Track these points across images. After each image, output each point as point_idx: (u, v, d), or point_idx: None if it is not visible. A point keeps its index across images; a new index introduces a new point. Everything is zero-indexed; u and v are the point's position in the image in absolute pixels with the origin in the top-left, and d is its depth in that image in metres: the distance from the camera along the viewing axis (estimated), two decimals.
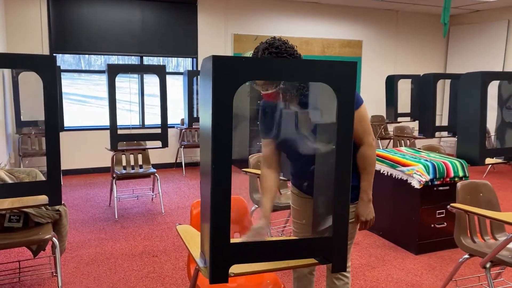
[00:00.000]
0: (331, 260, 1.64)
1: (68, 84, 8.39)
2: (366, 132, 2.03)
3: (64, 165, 6.72)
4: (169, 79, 7.79)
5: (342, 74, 1.54)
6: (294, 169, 2.27)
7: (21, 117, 6.18)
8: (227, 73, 1.40)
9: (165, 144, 4.75)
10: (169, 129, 6.92)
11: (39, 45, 6.40)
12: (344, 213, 1.62)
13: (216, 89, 1.40)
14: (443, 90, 9.33)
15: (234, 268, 1.63)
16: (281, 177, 3.42)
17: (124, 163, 5.13)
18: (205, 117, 1.51)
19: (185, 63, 7.98)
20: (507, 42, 8.20)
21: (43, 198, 2.61)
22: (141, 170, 5.10)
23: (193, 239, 1.94)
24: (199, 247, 1.80)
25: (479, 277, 3.32)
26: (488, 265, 2.57)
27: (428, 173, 3.67)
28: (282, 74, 1.48)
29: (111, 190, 5.09)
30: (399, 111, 7.66)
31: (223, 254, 1.48)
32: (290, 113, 2.02)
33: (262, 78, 1.47)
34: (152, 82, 8.00)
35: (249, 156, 3.91)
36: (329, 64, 1.52)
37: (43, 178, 3.13)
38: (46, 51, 6.47)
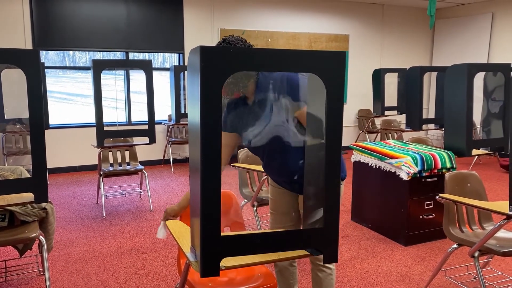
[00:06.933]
0: (322, 251, 1.63)
1: (53, 82, 8.28)
2: None
3: (50, 163, 6.62)
4: (155, 75, 7.70)
5: (331, 64, 1.53)
6: (271, 165, 2.26)
7: (5, 115, 6.07)
8: (215, 63, 1.38)
9: (152, 140, 4.70)
10: (156, 126, 6.87)
11: (21, 41, 6.29)
12: (335, 202, 1.61)
13: (204, 80, 1.38)
14: (429, 83, 9.40)
15: (225, 261, 1.62)
16: None
17: (111, 160, 5.07)
18: (194, 109, 1.49)
19: (171, 59, 7.91)
20: (492, 35, 8.29)
21: (28, 196, 2.56)
22: (128, 167, 5.04)
23: (183, 234, 1.92)
24: (189, 242, 1.79)
25: (468, 266, 3.36)
26: (476, 254, 2.60)
27: (416, 165, 3.69)
28: (271, 65, 1.47)
29: (98, 187, 5.03)
30: (386, 104, 7.68)
31: (214, 247, 1.47)
32: (259, 112, 2.03)
33: (250, 69, 1.45)
34: (138, 79, 7.92)
35: (238, 151, 3.89)
36: (317, 54, 1.51)
37: (28, 176, 3.08)
38: (29, 47, 6.35)
